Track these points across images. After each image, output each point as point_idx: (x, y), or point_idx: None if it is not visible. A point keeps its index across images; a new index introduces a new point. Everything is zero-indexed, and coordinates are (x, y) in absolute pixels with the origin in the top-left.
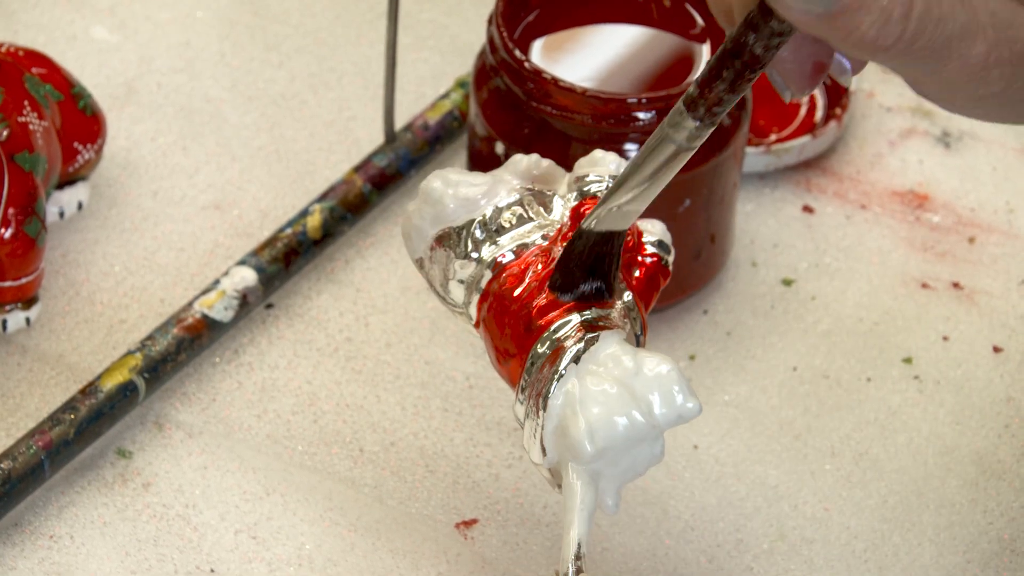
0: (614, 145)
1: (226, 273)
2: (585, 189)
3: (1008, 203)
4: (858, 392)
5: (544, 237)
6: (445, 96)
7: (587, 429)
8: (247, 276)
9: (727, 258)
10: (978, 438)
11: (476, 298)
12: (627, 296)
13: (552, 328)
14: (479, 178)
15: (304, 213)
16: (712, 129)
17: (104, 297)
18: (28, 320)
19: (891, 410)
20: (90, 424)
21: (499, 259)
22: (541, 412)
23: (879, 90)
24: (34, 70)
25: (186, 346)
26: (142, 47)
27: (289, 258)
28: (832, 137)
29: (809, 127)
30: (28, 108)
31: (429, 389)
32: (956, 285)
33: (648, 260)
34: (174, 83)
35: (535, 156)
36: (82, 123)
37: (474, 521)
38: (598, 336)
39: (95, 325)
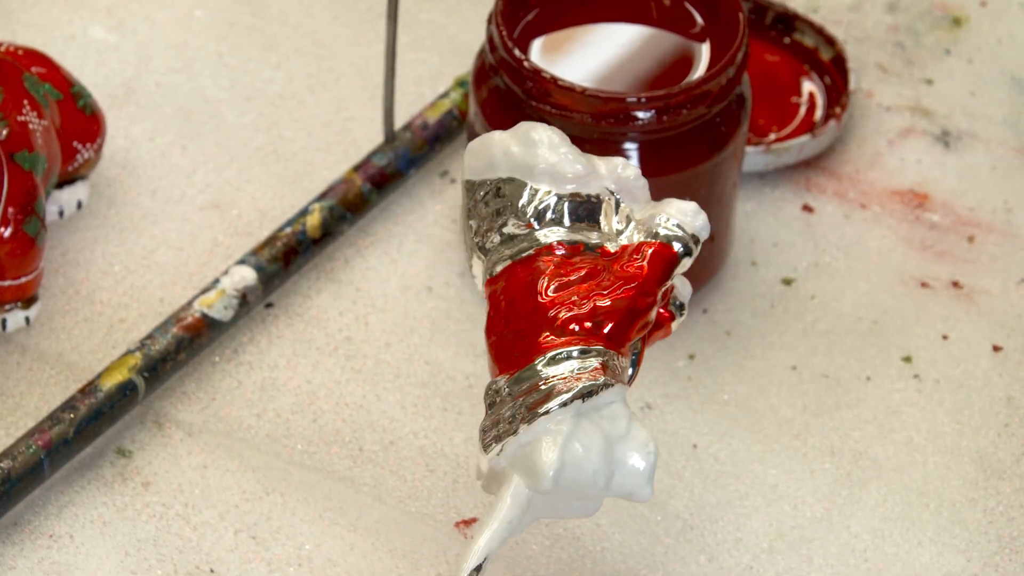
0: (613, 144)
1: (225, 272)
2: (659, 230)
3: (1007, 202)
4: (857, 391)
5: (601, 250)
6: (444, 95)
7: (558, 466)
8: (246, 275)
9: (727, 257)
10: (977, 437)
11: (506, 261)
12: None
13: (573, 351)
14: (581, 159)
15: (303, 212)
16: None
17: (103, 296)
18: (28, 319)
19: (890, 409)
20: (90, 423)
21: (553, 244)
22: (524, 422)
23: (878, 90)
24: (34, 69)
25: (186, 345)
26: (140, 47)
27: (288, 257)
28: (831, 136)
29: (809, 126)
30: (28, 107)
31: (429, 388)
32: (955, 284)
33: (663, 312)
34: (172, 83)
35: (637, 170)
36: (81, 122)
37: (474, 520)
38: (612, 385)
39: (95, 324)
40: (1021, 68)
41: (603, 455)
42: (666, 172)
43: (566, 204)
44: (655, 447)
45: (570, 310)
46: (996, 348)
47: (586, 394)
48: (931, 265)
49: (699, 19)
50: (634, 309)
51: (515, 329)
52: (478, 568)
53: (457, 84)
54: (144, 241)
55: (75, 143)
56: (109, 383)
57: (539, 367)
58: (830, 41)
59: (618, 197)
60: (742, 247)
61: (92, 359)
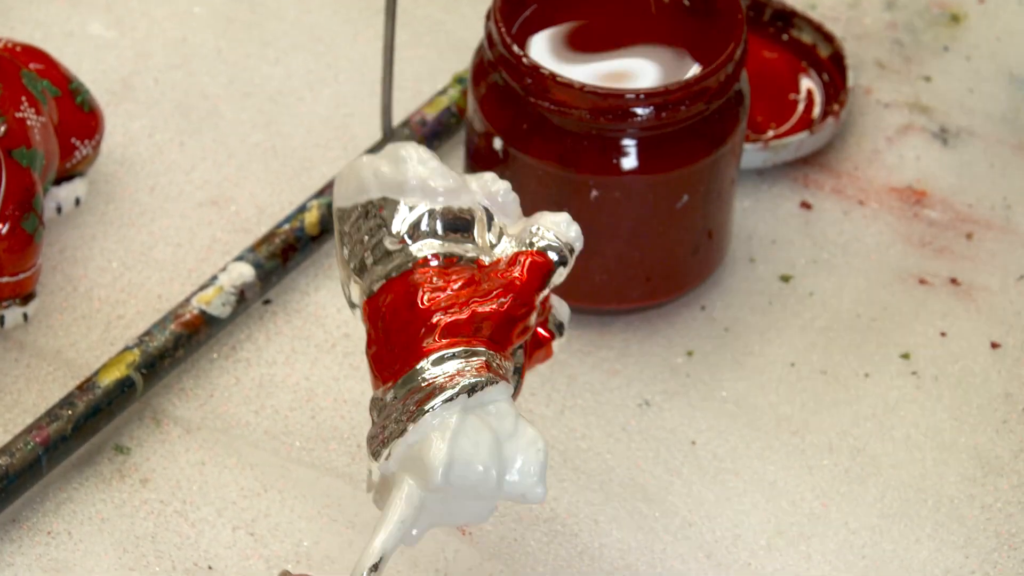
0: (612, 141)
1: (224, 269)
2: (534, 240)
3: (1005, 199)
4: (856, 388)
5: (476, 262)
6: (443, 92)
7: (448, 460)
8: (245, 272)
9: (725, 254)
10: (976, 433)
11: (383, 279)
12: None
13: (455, 351)
14: (450, 175)
15: (302, 209)
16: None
17: (102, 293)
18: (26, 316)
19: (889, 406)
20: (88, 420)
21: (428, 257)
22: (411, 421)
23: (876, 86)
24: (31, 66)
25: (184, 342)
26: (139, 43)
27: (287, 254)
28: (830, 133)
29: (807, 123)
30: (25, 104)
31: None
32: (954, 281)
33: (543, 332)
34: (171, 79)
35: (507, 184)
36: (80, 119)
37: None
38: (497, 382)
39: (93, 321)
40: (1019, 65)
41: (492, 452)
42: (664, 169)
43: (439, 218)
44: (544, 445)
45: (449, 316)
46: (994, 345)
47: (471, 389)
48: (929, 262)
49: (698, 16)
50: (513, 316)
51: (395, 340)
52: (375, 567)
53: (455, 81)
54: (142, 238)
55: (73, 139)
56: (107, 380)
57: (422, 368)
58: (828, 38)
59: (491, 211)
60: (740, 244)
61: (90, 356)
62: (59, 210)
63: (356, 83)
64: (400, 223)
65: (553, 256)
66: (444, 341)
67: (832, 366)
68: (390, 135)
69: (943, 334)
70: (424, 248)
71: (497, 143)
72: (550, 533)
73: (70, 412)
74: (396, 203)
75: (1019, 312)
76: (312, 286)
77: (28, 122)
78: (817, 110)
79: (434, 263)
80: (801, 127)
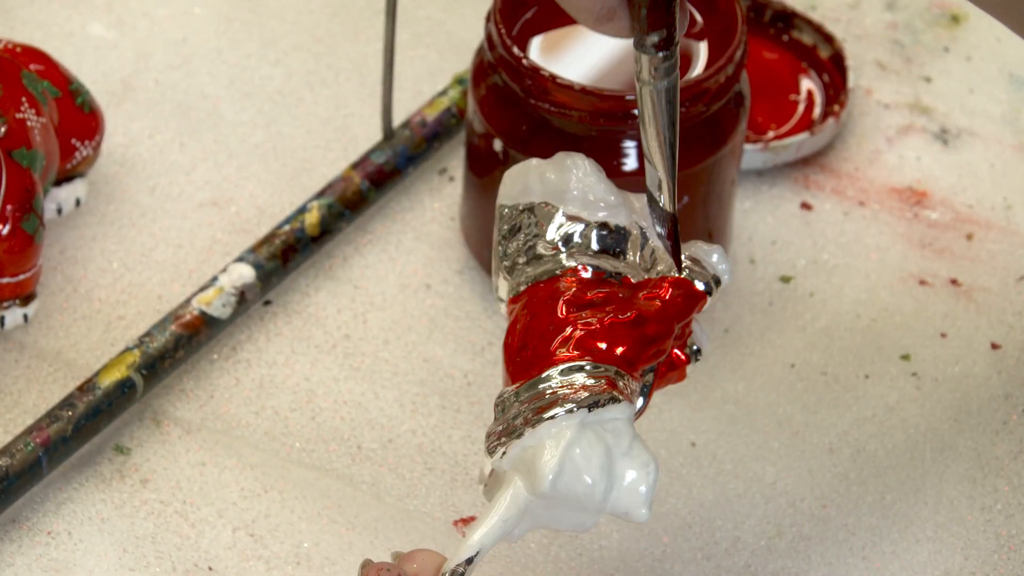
0: (612, 142)
1: (224, 270)
2: (683, 268)
3: (1006, 199)
4: (856, 389)
5: (624, 279)
6: (443, 93)
7: (557, 469)
8: (245, 273)
9: (726, 255)
10: (976, 435)
11: (530, 281)
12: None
13: (585, 364)
14: (613, 191)
15: (302, 210)
16: (667, 53)
17: (102, 294)
18: (26, 317)
19: (889, 407)
20: (88, 421)
21: (579, 269)
22: (529, 426)
23: (877, 87)
24: (32, 66)
25: (184, 343)
26: (139, 44)
27: (287, 255)
28: (830, 134)
29: (807, 124)
30: (26, 104)
31: (427, 386)
32: (954, 282)
33: (679, 355)
34: (171, 80)
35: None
36: (80, 120)
37: (472, 518)
38: (619, 401)
39: (93, 322)
40: (1019, 65)
41: (603, 467)
42: None
43: (594, 232)
44: (656, 469)
45: (586, 329)
46: (995, 346)
47: (592, 404)
48: (930, 263)
49: (698, 17)
50: (649, 336)
51: (530, 343)
52: (469, 560)
53: (456, 82)
54: (143, 239)
55: (73, 140)
56: (107, 381)
57: (549, 376)
58: (828, 39)
59: (646, 233)
60: (740, 245)
61: (90, 357)
62: (59, 211)
63: (356, 84)
64: (555, 231)
65: (700, 285)
66: (575, 352)
67: (832, 367)
68: (390, 136)
69: (943, 335)
70: (574, 258)
71: (497, 144)
72: (550, 535)
73: (70, 413)
74: (555, 210)
75: (1019, 313)
76: (312, 287)
77: (28, 123)
78: (817, 111)
79: (584, 274)
80: (801, 128)
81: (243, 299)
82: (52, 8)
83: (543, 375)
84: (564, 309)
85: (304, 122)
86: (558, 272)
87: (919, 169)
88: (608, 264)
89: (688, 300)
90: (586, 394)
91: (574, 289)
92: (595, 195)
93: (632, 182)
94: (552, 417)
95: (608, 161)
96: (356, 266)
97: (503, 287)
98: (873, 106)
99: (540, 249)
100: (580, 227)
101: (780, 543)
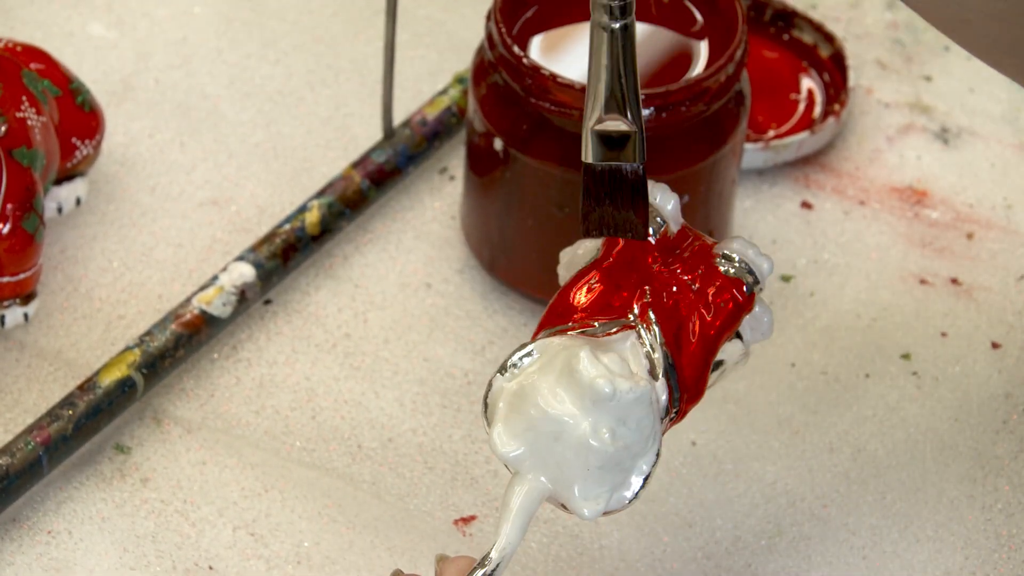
0: None
1: (224, 269)
2: (748, 276)
3: (1006, 199)
4: (856, 388)
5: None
6: (443, 92)
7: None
8: (245, 272)
9: None
10: (976, 434)
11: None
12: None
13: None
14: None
15: (302, 209)
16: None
17: (102, 293)
18: (26, 316)
19: (889, 406)
20: (88, 420)
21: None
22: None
23: (877, 86)
24: (32, 66)
25: (184, 342)
26: (139, 43)
27: (287, 254)
28: (830, 133)
29: (807, 123)
30: (26, 104)
31: (427, 385)
32: (954, 281)
33: (722, 303)
34: (171, 79)
35: (769, 264)
36: (80, 119)
37: (472, 518)
38: (621, 333)
39: (93, 321)
40: None
41: (555, 380)
42: (665, 170)
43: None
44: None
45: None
46: (995, 345)
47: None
48: (930, 262)
49: (698, 16)
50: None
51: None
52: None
53: (456, 81)
54: (143, 238)
55: (74, 139)
56: (108, 380)
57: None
58: (829, 38)
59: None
60: None
61: (91, 356)
62: (60, 210)
63: (357, 83)
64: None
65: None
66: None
67: (833, 366)
68: (391, 135)
69: (944, 334)
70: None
71: (497, 144)
72: (550, 534)
73: (71, 412)
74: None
75: (1020, 312)
76: (313, 286)
77: (29, 122)
78: (818, 110)
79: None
80: (802, 127)
81: (243, 298)
82: (52, 8)
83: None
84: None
85: (304, 121)
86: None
87: (919, 168)
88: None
89: (738, 309)
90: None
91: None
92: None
93: None
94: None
95: None
96: (356, 265)
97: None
98: (873, 105)
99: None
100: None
101: (780, 542)
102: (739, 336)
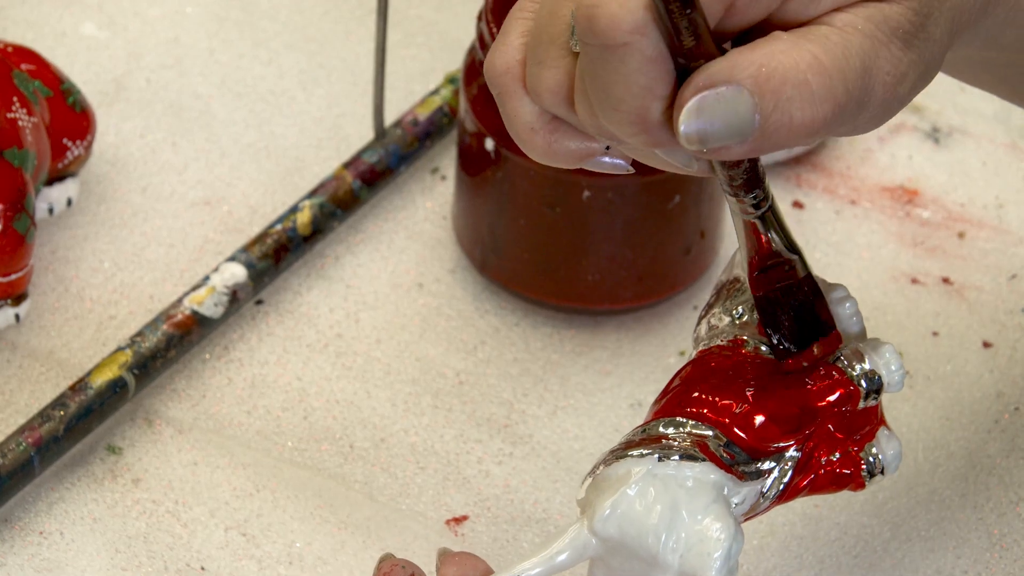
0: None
1: (216, 269)
2: (872, 386)
3: (998, 198)
4: None
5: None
6: (435, 92)
7: (610, 509)
8: (237, 272)
9: (717, 254)
10: (968, 433)
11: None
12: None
13: (688, 419)
14: (860, 322)
15: (294, 209)
16: (758, 192)
17: (94, 293)
18: (18, 317)
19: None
20: (80, 420)
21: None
22: (605, 464)
23: None
24: (23, 66)
25: (176, 342)
26: (131, 43)
27: (279, 254)
28: None
29: None
30: (17, 104)
31: (419, 385)
32: (946, 280)
33: (844, 471)
34: (163, 79)
35: (902, 373)
36: (71, 119)
37: (464, 518)
38: (696, 458)
39: (85, 321)
40: None
41: (661, 518)
42: (656, 170)
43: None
44: (731, 537)
45: (718, 396)
46: (986, 344)
47: (664, 454)
48: (922, 261)
49: None
50: (782, 417)
51: (701, 390)
52: None
53: (447, 81)
54: (134, 238)
55: (65, 140)
56: (99, 380)
57: (660, 422)
58: None
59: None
60: (732, 244)
61: (82, 356)
62: (51, 211)
63: (348, 83)
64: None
65: (862, 383)
66: (705, 412)
67: None
68: (382, 135)
69: (935, 333)
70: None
71: (489, 143)
72: (543, 534)
73: (62, 413)
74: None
75: (1011, 311)
76: (304, 286)
77: (20, 123)
78: None
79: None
80: None
81: (235, 298)
82: (43, 8)
83: (656, 420)
84: (750, 385)
85: (296, 121)
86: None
87: (911, 168)
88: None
89: (841, 396)
90: (664, 445)
91: (751, 362)
92: (851, 317)
93: (625, 181)
94: (624, 456)
95: None
96: (348, 265)
97: (703, 330)
98: None
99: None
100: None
101: (772, 542)
102: None
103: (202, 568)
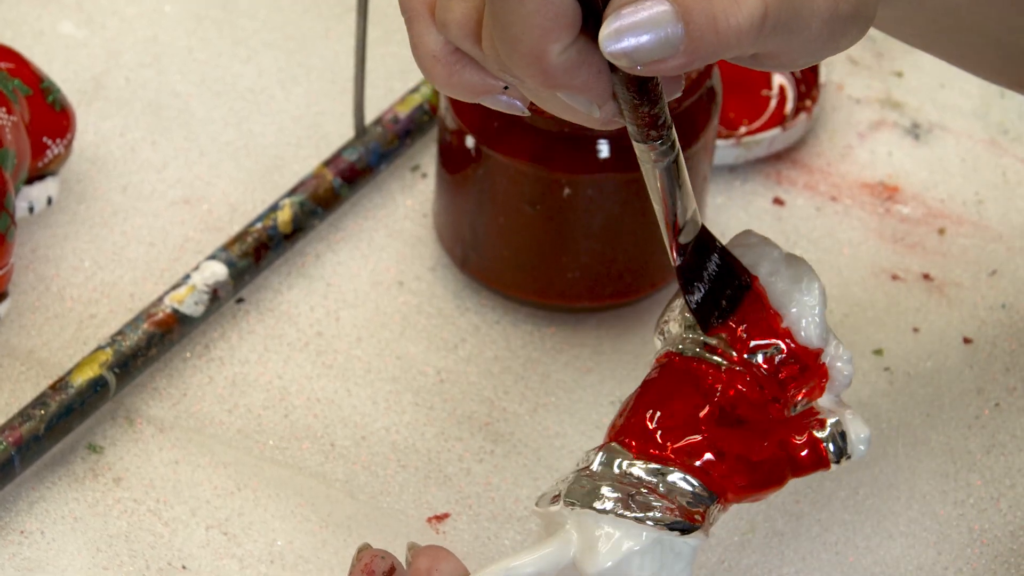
0: (584, 139)
1: (196, 268)
2: (827, 430)
3: (977, 194)
4: None
5: (772, 408)
6: (415, 90)
7: (611, 566)
8: (217, 271)
9: None
10: (948, 429)
11: (697, 349)
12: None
13: (696, 484)
14: (824, 326)
15: (274, 208)
16: (667, 135)
17: (74, 292)
18: None
19: (861, 402)
20: (60, 419)
21: (739, 364)
22: (614, 513)
23: (848, 82)
24: (2, 65)
25: (156, 341)
26: (110, 42)
27: (259, 253)
28: (802, 129)
29: (779, 119)
30: None
31: (400, 383)
32: (926, 276)
33: (804, 455)
34: (142, 78)
35: (852, 369)
36: (51, 118)
37: (446, 515)
38: (700, 538)
39: (65, 320)
40: None
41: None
42: (637, 167)
43: (779, 356)
44: None
45: (715, 451)
46: (967, 340)
47: (673, 527)
48: (902, 257)
49: None
50: (765, 482)
51: (660, 424)
52: None
53: None
54: (114, 237)
55: (45, 139)
56: (80, 379)
57: (660, 471)
58: None
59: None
60: None
61: (62, 355)
62: (31, 209)
63: (328, 81)
64: (751, 333)
65: (832, 457)
66: (694, 464)
67: None
68: (362, 133)
69: (916, 330)
70: (747, 369)
71: (469, 141)
72: (524, 532)
73: (43, 412)
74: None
75: (991, 307)
76: (285, 285)
77: None
78: (789, 106)
79: (741, 389)
80: (773, 123)
81: (216, 297)
82: (22, 7)
83: (660, 467)
84: (709, 412)
85: (276, 120)
86: (723, 367)
87: (891, 164)
88: (769, 390)
89: (813, 463)
90: (678, 518)
91: (729, 396)
92: (806, 333)
93: (605, 178)
94: (638, 519)
95: (580, 157)
96: (329, 263)
97: (675, 330)
98: (845, 101)
99: (727, 334)
100: (772, 349)
101: (754, 539)
102: None
103: (183, 567)
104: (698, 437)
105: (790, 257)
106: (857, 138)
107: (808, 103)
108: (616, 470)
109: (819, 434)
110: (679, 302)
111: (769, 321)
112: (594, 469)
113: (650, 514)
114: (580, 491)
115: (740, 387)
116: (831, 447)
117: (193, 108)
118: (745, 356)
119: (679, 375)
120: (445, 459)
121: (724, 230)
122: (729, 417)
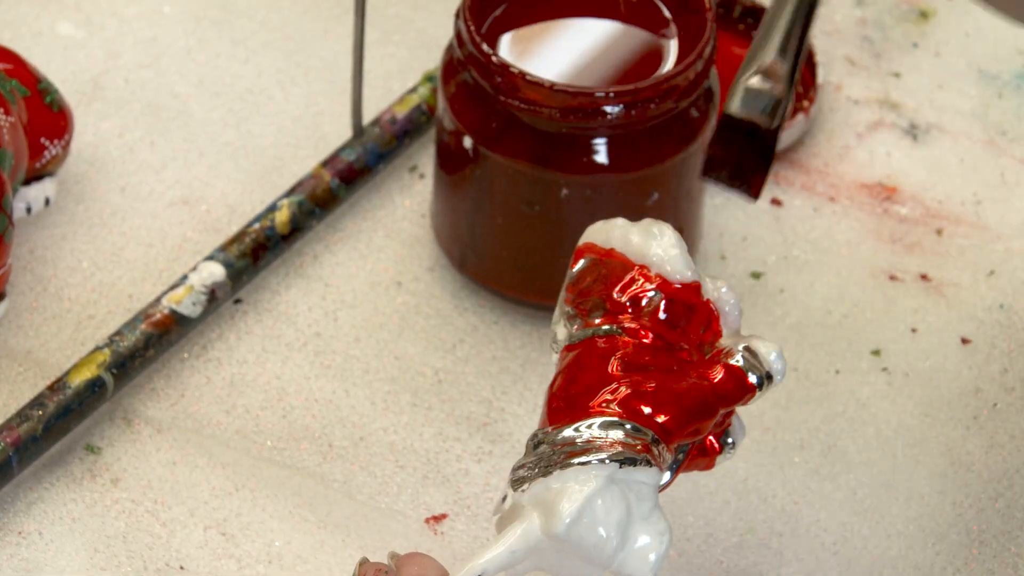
0: (582, 139)
1: (194, 268)
2: (737, 357)
3: (975, 194)
4: (827, 385)
5: (682, 354)
6: (413, 90)
7: (576, 515)
8: (215, 271)
9: (696, 251)
10: (947, 430)
11: (590, 333)
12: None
13: (626, 423)
14: (690, 267)
15: (272, 208)
16: None
17: (72, 293)
18: None
19: (860, 402)
20: (58, 420)
21: (640, 332)
22: (559, 467)
23: (846, 83)
24: (0, 65)
25: (154, 341)
26: (108, 43)
27: (257, 253)
28: (800, 130)
29: None
30: None
31: (398, 384)
32: (924, 277)
33: (713, 442)
34: (141, 79)
35: (736, 299)
36: (49, 119)
37: (444, 516)
38: (651, 465)
39: (63, 321)
40: (988, 61)
41: (620, 524)
42: (635, 167)
43: (663, 301)
44: (669, 539)
45: (633, 389)
46: (965, 341)
47: (625, 461)
48: (900, 258)
49: (667, 14)
50: (692, 412)
51: (575, 391)
52: None
53: (426, 79)
54: (113, 237)
55: (43, 139)
56: (78, 380)
57: (589, 424)
58: None
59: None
60: (711, 241)
61: (60, 356)
62: (29, 210)
63: (326, 81)
64: (626, 290)
65: (752, 379)
66: (618, 410)
67: (803, 363)
68: (360, 133)
69: (914, 330)
70: (638, 321)
71: (467, 142)
72: None
73: (40, 412)
74: (630, 270)
75: (989, 308)
76: (283, 285)
77: None
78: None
79: (645, 340)
80: None
81: (213, 297)
82: (21, 7)
83: (582, 423)
84: (616, 366)
85: (274, 120)
86: (619, 331)
87: (889, 164)
88: (669, 336)
89: (737, 389)
90: (620, 449)
91: (631, 350)
92: (671, 266)
93: (603, 178)
94: (584, 463)
95: (578, 157)
96: (327, 264)
97: (562, 332)
98: (843, 102)
99: (607, 304)
100: (652, 293)
101: (752, 539)
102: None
103: (181, 567)
104: (614, 385)
105: (639, 222)
106: (855, 138)
107: (806, 103)
108: (547, 443)
109: (732, 361)
110: (556, 312)
111: (638, 275)
112: (528, 458)
113: (593, 456)
114: (523, 473)
115: (642, 339)
116: (743, 366)
117: (192, 109)
118: (630, 312)
119: (579, 357)
120: (443, 460)
121: (722, 230)
122: (639, 366)
